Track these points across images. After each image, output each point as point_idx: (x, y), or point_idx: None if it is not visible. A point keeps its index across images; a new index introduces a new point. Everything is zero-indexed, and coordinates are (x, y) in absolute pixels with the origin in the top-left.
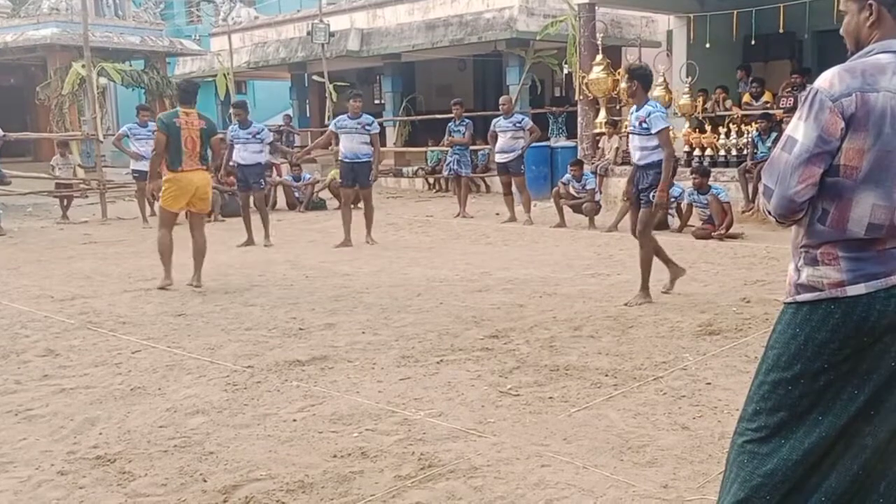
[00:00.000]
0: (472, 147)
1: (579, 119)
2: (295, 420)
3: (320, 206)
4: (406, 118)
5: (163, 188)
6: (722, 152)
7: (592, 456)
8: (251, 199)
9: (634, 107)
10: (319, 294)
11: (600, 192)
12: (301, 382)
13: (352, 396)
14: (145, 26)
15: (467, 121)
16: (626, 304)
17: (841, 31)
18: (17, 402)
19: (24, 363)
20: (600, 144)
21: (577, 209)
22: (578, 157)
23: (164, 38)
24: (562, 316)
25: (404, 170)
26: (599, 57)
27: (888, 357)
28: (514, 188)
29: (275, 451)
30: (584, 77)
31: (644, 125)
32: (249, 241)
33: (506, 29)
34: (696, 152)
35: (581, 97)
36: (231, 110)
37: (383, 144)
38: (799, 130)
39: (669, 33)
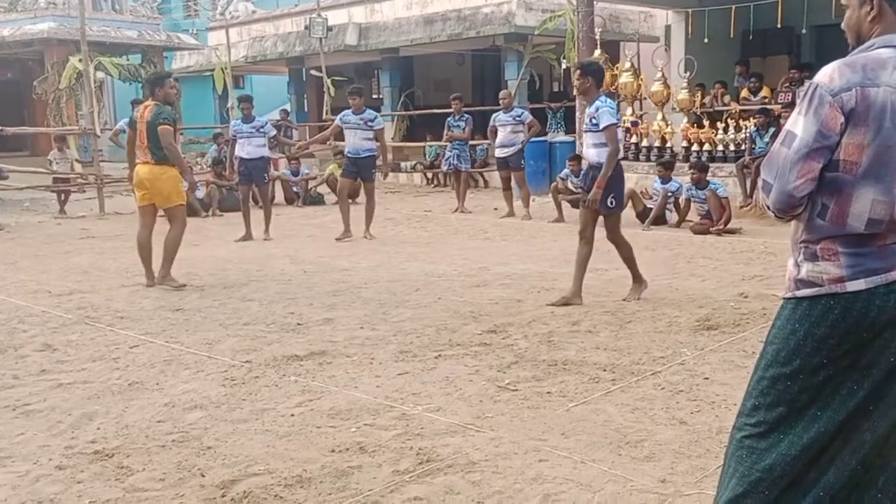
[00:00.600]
0: (470, 142)
1: (577, 114)
2: (293, 415)
3: (319, 200)
4: (404, 113)
5: None
6: (720, 147)
7: (590, 450)
8: (251, 193)
9: (588, 104)
10: (318, 289)
11: None
12: (299, 377)
13: (350, 391)
14: (142, 20)
15: (467, 116)
16: (624, 300)
17: (842, 25)
18: (15, 396)
19: (22, 358)
20: None
21: (575, 204)
22: (577, 153)
23: (161, 33)
24: (560, 311)
25: (402, 164)
26: (598, 52)
27: (887, 353)
28: (513, 183)
29: (273, 445)
30: None
31: (594, 121)
32: (248, 236)
33: (504, 23)
34: (695, 147)
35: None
36: (239, 105)
37: None
38: (798, 125)
39: (668, 28)
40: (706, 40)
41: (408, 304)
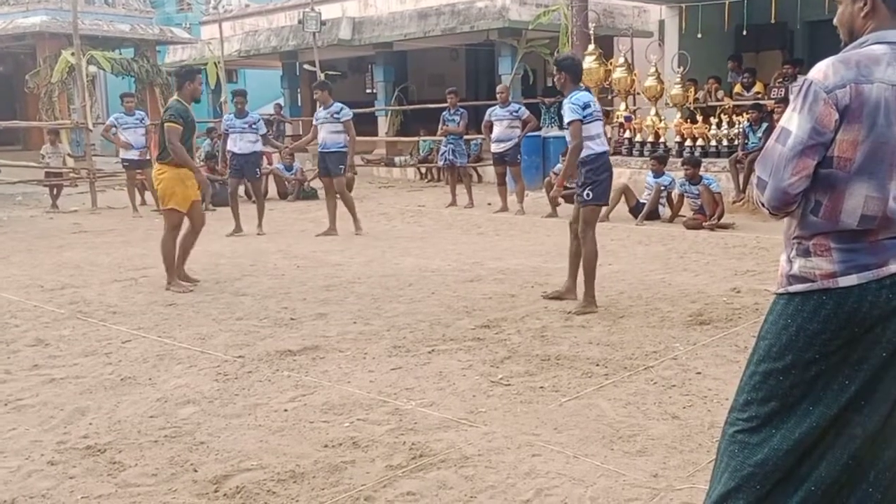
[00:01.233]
0: (465, 136)
1: None
2: (286, 410)
3: (312, 195)
4: (398, 107)
5: None
6: (713, 142)
7: (583, 445)
8: (243, 187)
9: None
10: (311, 284)
11: None
12: (292, 372)
13: (343, 386)
14: (135, 14)
15: (462, 110)
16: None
17: (834, 21)
18: (7, 392)
19: (14, 353)
20: None
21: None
22: None
23: (153, 27)
24: (553, 305)
25: (396, 159)
26: (592, 47)
27: (879, 348)
28: (507, 178)
29: (266, 440)
30: None
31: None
32: (238, 230)
33: (498, 18)
34: (688, 143)
35: None
36: (233, 99)
37: (376, 134)
38: (793, 122)
39: (661, 23)
40: (700, 35)
41: (401, 298)
